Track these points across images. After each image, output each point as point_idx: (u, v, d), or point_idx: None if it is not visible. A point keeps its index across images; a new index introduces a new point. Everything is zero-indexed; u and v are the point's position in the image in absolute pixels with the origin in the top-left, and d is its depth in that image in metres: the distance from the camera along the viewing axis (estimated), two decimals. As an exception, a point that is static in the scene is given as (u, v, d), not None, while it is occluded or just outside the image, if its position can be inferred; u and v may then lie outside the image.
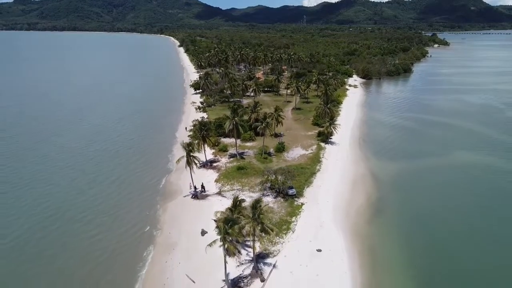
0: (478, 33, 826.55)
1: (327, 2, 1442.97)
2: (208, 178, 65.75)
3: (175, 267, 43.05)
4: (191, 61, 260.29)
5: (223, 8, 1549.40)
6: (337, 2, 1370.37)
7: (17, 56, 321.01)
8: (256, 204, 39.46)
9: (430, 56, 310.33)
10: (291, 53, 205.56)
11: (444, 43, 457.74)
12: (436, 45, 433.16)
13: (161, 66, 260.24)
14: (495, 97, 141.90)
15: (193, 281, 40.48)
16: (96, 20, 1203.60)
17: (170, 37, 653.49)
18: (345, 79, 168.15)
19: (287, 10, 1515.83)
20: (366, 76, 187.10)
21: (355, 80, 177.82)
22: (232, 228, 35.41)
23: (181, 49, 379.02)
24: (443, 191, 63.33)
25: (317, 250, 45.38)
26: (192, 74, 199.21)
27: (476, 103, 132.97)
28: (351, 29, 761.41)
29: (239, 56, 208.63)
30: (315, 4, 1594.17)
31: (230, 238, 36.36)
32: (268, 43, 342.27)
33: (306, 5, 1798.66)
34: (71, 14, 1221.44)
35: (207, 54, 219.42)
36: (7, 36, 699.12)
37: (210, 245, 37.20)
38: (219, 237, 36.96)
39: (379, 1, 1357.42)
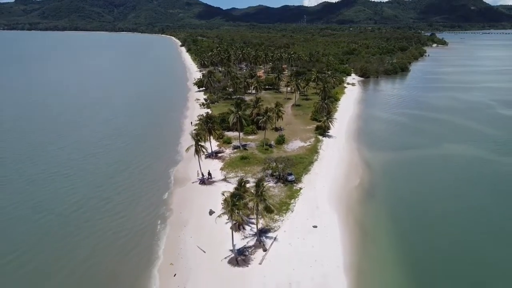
0: (478, 33, 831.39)
1: (327, 2, 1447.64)
2: (214, 167, 71.36)
3: (187, 240, 48.69)
4: (193, 60, 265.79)
5: (224, 8, 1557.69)
6: (338, 2, 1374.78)
7: (26, 55, 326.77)
8: (259, 182, 45.07)
9: (428, 55, 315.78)
10: (291, 53, 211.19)
11: (443, 42, 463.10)
12: (434, 45, 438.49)
13: (165, 65, 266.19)
14: (488, 94, 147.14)
15: (204, 251, 46.07)
16: (97, 20, 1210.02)
17: (171, 37, 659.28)
18: (344, 78, 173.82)
19: (288, 10, 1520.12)
20: (364, 74, 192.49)
21: (353, 78, 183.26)
22: (239, 201, 40.94)
23: (183, 49, 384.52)
24: (429, 177, 69.15)
25: (313, 226, 51.00)
26: (194, 73, 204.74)
27: (468, 100, 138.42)
28: (351, 29, 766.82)
29: (240, 55, 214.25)
30: (316, 4, 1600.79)
31: (237, 211, 41.87)
32: (268, 43, 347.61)
33: (306, 5, 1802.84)
34: (72, 14, 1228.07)
35: (209, 53, 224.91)
36: (12, 36, 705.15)
37: (219, 216, 42.86)
38: (227, 210, 42.44)
39: (379, 1, 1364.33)
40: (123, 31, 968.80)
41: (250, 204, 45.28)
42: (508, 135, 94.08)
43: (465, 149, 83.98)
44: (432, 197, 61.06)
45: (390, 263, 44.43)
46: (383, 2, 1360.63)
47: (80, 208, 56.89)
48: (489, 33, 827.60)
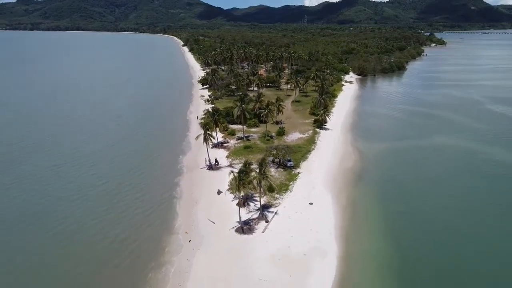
0: (477, 33, 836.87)
1: (328, 2, 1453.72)
2: (220, 155, 78.30)
3: (199, 214, 55.65)
4: (196, 60, 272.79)
5: (225, 8, 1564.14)
6: (338, 2, 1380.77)
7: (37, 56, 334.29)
8: (262, 162, 51.89)
9: (426, 55, 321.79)
10: (292, 52, 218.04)
11: (441, 42, 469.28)
12: (433, 44, 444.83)
13: (169, 64, 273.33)
14: (480, 91, 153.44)
15: (213, 222, 52.97)
16: (99, 20, 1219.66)
17: (173, 36, 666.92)
18: (342, 76, 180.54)
19: (289, 9, 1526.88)
20: (362, 73, 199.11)
21: (351, 76, 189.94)
22: (245, 176, 47.75)
23: (185, 49, 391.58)
24: (417, 164, 76.11)
25: (309, 203, 57.86)
26: (198, 71, 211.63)
27: (461, 96, 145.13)
28: (351, 28, 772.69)
29: (243, 54, 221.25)
30: (316, 4, 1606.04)
31: (244, 186, 48.66)
32: (269, 43, 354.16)
33: (307, 5, 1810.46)
34: (74, 14, 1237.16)
35: (213, 53, 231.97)
36: (18, 35, 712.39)
37: (228, 190, 49.61)
38: (235, 185, 49.25)
39: (380, 1, 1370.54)
40: (125, 31, 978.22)
41: (254, 182, 52.00)
42: (493, 128, 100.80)
43: (453, 141, 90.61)
44: (419, 180, 67.96)
45: (375, 232, 51.22)
46: (384, 2, 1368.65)
47: (113, 190, 64.16)
48: (489, 33, 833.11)
